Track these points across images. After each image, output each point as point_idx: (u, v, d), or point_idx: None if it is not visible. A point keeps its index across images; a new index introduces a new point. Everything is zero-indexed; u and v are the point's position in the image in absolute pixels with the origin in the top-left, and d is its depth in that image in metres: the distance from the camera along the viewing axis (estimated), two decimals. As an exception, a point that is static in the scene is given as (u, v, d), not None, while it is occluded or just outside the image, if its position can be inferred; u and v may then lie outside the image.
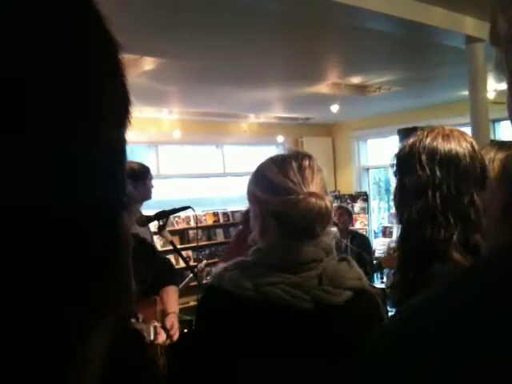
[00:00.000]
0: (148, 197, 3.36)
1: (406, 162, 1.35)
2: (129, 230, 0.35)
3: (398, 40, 4.66)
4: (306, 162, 1.27)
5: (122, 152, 0.32)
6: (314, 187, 1.23)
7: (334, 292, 1.21)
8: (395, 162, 1.38)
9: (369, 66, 5.69)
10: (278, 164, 1.27)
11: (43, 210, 0.26)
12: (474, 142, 1.34)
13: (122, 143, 0.32)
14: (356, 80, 6.44)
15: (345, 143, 9.68)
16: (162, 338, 2.57)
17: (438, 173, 1.28)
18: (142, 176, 3.31)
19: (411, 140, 1.36)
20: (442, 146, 1.30)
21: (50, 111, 0.26)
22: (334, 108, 7.41)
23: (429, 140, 1.32)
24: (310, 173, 1.26)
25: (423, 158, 1.30)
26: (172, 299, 2.86)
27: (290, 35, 4.45)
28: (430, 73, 6.01)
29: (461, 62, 4.73)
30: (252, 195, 1.31)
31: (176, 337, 2.73)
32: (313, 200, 1.19)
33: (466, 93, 4.94)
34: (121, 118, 0.32)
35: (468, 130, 4.74)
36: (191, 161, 8.23)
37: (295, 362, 1.19)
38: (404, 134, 4.69)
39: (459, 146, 1.30)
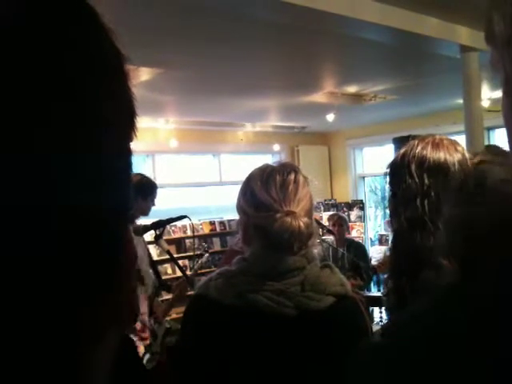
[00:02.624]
0: (146, 214, 3.39)
1: (397, 171, 1.37)
2: (133, 243, 0.34)
3: (393, 49, 4.69)
4: (291, 177, 1.28)
5: (126, 161, 0.32)
6: (294, 205, 1.24)
7: (316, 298, 1.22)
8: (388, 171, 1.40)
9: (364, 75, 5.73)
10: (263, 178, 1.29)
11: (42, 212, 0.25)
12: (465, 151, 1.35)
13: (125, 153, 0.32)
14: (352, 89, 6.47)
15: (341, 152, 9.70)
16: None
17: (426, 180, 1.29)
18: (151, 192, 3.33)
19: (403, 149, 1.38)
20: (432, 154, 1.32)
21: (50, 116, 0.26)
22: (330, 117, 7.44)
23: (419, 149, 1.34)
24: (294, 189, 1.27)
25: (413, 166, 1.32)
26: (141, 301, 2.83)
27: (286, 45, 4.48)
28: (425, 81, 6.05)
29: (455, 70, 4.76)
30: (238, 203, 1.34)
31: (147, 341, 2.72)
32: (288, 220, 1.21)
33: (461, 101, 4.97)
34: (124, 127, 0.32)
35: (463, 138, 4.76)
36: (188, 170, 8.23)
37: (280, 368, 1.20)
38: (399, 142, 4.70)
39: (448, 154, 1.31)
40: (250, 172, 1.36)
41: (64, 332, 0.27)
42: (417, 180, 1.30)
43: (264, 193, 1.26)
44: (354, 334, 1.24)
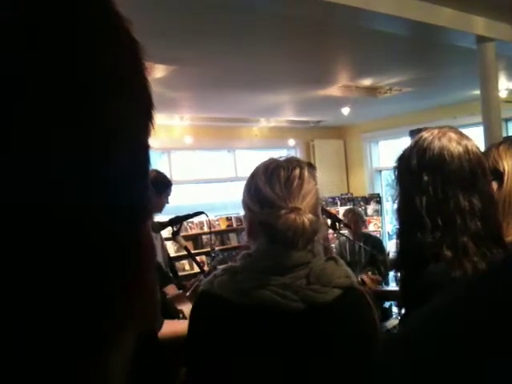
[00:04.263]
0: (160, 211, 3.35)
1: (400, 167, 1.37)
2: (152, 239, 0.33)
3: (408, 41, 4.65)
4: (296, 172, 1.27)
5: (144, 156, 0.31)
6: (299, 201, 1.23)
7: (322, 290, 1.22)
8: (396, 166, 1.40)
9: (379, 67, 5.69)
10: (267, 174, 1.28)
11: (44, 211, 0.24)
12: (471, 144, 1.33)
13: (143, 147, 0.31)
14: (367, 82, 6.43)
15: (356, 145, 9.65)
16: None
17: (424, 177, 1.29)
18: (165, 189, 3.30)
19: (410, 143, 1.38)
20: (432, 149, 1.30)
21: (63, 112, 0.25)
22: (345, 110, 7.41)
23: (420, 144, 1.33)
24: (299, 184, 1.26)
25: (413, 162, 1.32)
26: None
27: (300, 39, 4.46)
28: (440, 73, 5.99)
29: (472, 61, 4.71)
30: (243, 200, 1.34)
31: None
32: (292, 216, 1.20)
33: (478, 92, 4.91)
34: (142, 121, 0.31)
35: (480, 130, 4.71)
36: (203, 166, 8.26)
37: (288, 362, 1.20)
38: (416, 134, 4.67)
39: (448, 149, 1.29)
40: (254, 167, 1.35)
41: (77, 332, 0.26)
42: (416, 177, 1.30)
43: (268, 189, 1.25)
44: (362, 326, 1.25)
